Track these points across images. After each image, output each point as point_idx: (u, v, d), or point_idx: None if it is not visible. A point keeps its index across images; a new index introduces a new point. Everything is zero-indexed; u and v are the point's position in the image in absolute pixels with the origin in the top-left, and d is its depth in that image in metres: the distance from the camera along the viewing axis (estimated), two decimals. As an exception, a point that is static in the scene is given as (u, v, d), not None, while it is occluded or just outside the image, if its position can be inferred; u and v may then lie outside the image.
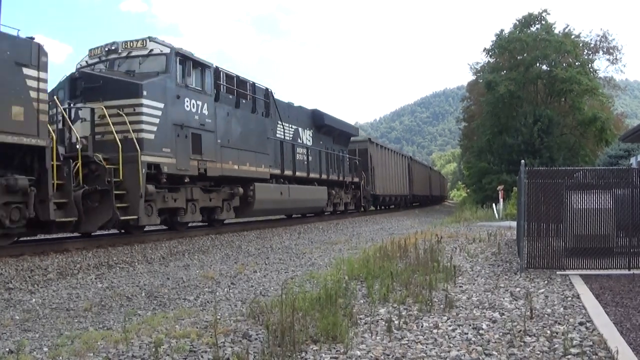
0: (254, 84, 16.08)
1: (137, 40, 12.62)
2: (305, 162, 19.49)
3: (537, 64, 33.83)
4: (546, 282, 7.06)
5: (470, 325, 4.88)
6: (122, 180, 10.61)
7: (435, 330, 4.73)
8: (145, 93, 11.31)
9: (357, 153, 25.70)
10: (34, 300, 6.70)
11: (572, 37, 34.03)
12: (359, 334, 4.61)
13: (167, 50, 12.39)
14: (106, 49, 12.68)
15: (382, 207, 32.10)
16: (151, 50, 12.44)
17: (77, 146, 10.29)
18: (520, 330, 4.61)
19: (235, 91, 14.96)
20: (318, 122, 21.18)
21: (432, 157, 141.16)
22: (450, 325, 4.88)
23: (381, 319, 5.13)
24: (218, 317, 5.16)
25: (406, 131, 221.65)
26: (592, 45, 34.82)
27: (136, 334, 4.70)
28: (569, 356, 3.96)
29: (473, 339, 4.45)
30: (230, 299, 6.55)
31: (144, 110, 11.30)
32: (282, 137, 17.77)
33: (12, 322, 5.60)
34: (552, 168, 10.50)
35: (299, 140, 19.19)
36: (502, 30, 35.49)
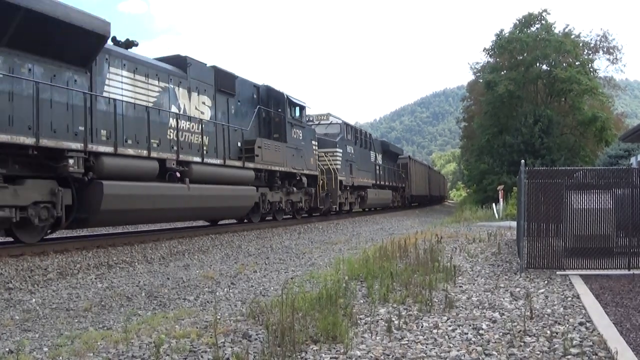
0: (366, 132, 29.26)
1: (324, 115, 24.41)
2: (383, 175, 30.64)
3: (537, 64, 33.78)
4: (546, 282, 7.06)
5: (470, 325, 4.88)
6: (332, 189, 21.52)
7: (435, 330, 4.73)
8: (337, 146, 22.93)
9: (401, 166, 36.76)
10: (34, 300, 6.70)
11: (572, 37, 33.97)
12: (359, 334, 4.61)
13: (340, 122, 24.47)
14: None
15: (415, 204, 42.52)
16: (331, 121, 24.24)
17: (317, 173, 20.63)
18: (520, 331, 4.61)
19: (358, 137, 26.79)
20: (384, 148, 32.79)
21: (432, 157, 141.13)
22: (450, 326, 4.88)
23: (381, 319, 5.13)
24: (218, 317, 5.16)
25: (406, 131, 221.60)
26: (592, 45, 34.78)
27: (136, 334, 4.70)
28: (569, 356, 3.96)
29: (473, 339, 4.45)
30: (230, 299, 6.56)
31: (337, 154, 22.70)
32: (374, 160, 29.25)
33: (12, 322, 5.60)
34: (552, 168, 10.50)
35: (377, 161, 30.13)
36: (502, 30, 35.48)
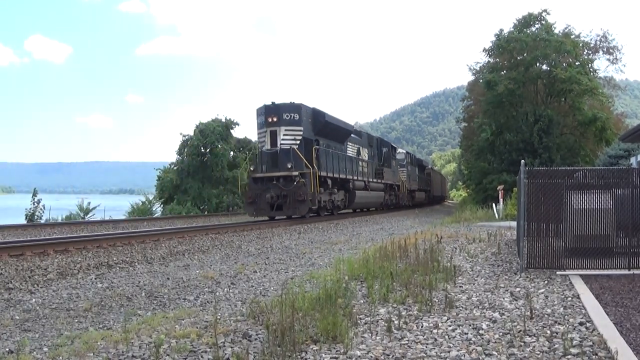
0: (413, 155, 48.38)
1: (397, 148, 40.40)
2: (420, 182, 45.01)
3: (537, 64, 33.73)
4: (546, 282, 7.06)
5: (470, 325, 4.88)
6: (403, 193, 38.00)
7: (435, 330, 4.73)
8: (405, 167, 39.55)
9: (426, 174, 51.50)
10: (34, 300, 6.70)
11: (572, 37, 33.90)
12: (359, 334, 4.61)
13: (404, 152, 42.34)
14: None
15: (434, 202, 57.42)
16: (399, 151, 39.97)
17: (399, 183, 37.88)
18: (520, 330, 4.61)
19: (411, 159, 42.80)
20: (419, 162, 48.14)
21: (432, 157, 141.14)
22: (450, 325, 4.88)
23: (381, 319, 5.13)
24: (218, 317, 5.16)
25: (406, 131, 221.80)
26: (592, 45, 34.69)
27: (136, 334, 4.70)
28: (569, 356, 3.96)
29: (473, 339, 4.45)
30: (230, 299, 6.56)
31: (404, 172, 39.14)
32: (417, 173, 44.03)
33: (12, 322, 5.60)
34: (552, 168, 10.49)
35: (417, 173, 44.42)
36: (501, 30, 35.37)
